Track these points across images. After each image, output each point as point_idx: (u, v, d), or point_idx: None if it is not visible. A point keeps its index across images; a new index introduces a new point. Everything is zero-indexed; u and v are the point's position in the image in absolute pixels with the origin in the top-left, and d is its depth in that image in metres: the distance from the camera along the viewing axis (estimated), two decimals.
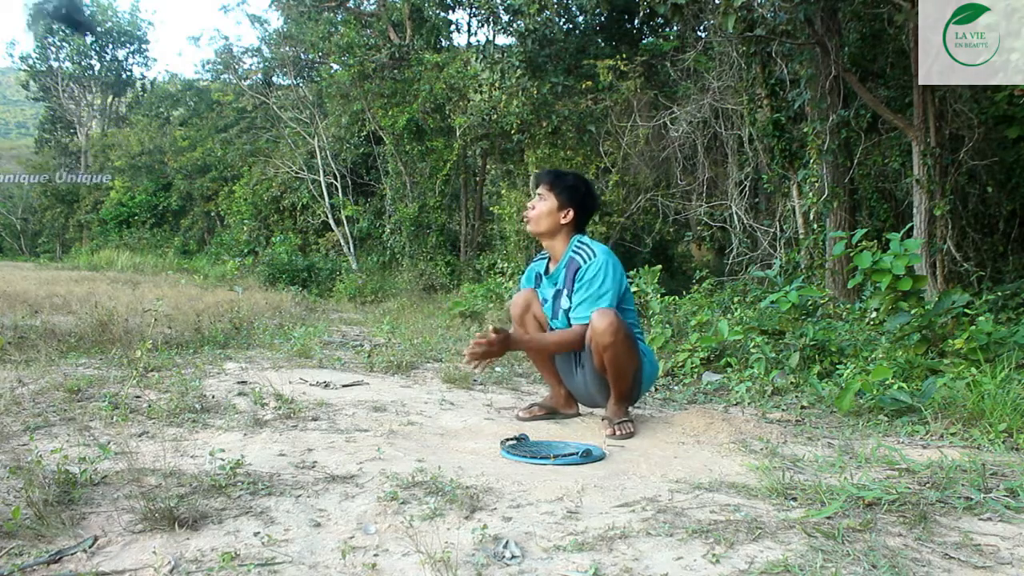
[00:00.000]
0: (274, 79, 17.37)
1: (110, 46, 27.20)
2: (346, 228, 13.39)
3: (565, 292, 2.80)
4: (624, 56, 10.13)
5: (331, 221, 13.70)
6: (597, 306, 2.65)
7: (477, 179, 12.22)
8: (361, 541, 1.65)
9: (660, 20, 11.68)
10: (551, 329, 2.90)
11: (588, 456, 2.35)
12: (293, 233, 14.39)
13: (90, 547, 1.57)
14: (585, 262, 2.72)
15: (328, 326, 6.20)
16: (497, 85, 10.49)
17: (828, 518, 1.78)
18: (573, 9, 12.39)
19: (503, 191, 12.26)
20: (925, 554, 1.60)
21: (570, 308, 2.77)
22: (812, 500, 1.93)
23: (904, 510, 1.83)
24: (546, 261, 2.96)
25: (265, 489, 1.94)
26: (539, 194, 2.86)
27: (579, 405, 3.08)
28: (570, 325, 2.80)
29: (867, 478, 2.11)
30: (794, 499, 1.95)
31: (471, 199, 12.19)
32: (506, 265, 9.95)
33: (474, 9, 11.90)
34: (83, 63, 26.64)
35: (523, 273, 3.06)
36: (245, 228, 15.61)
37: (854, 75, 6.41)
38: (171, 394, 2.95)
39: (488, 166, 12.43)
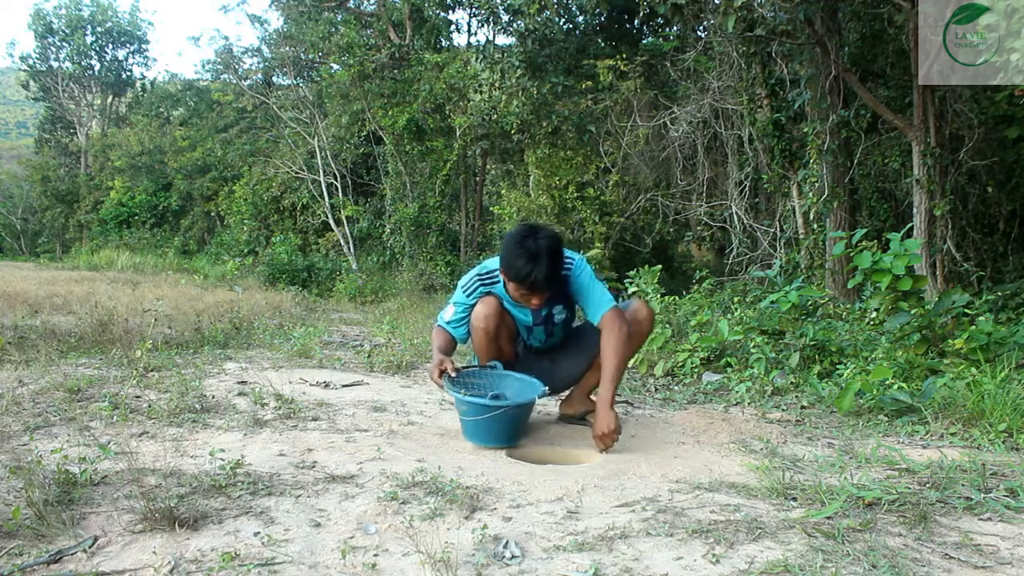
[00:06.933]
0: (274, 79, 17.37)
1: (110, 46, 27.16)
2: (346, 228, 13.38)
3: (558, 306, 2.76)
4: (624, 56, 10.13)
5: (331, 221, 13.70)
6: (609, 302, 2.65)
7: (477, 179, 12.22)
8: (361, 541, 1.65)
9: (660, 20, 11.68)
10: (523, 336, 2.84)
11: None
12: (293, 233, 14.37)
13: (90, 547, 1.57)
14: (571, 270, 2.64)
15: (328, 326, 6.19)
16: (497, 85, 10.49)
17: (828, 518, 1.78)
18: (573, 9, 12.39)
19: (503, 191, 12.25)
20: (925, 554, 1.60)
21: (587, 314, 2.71)
22: (812, 500, 1.93)
23: (904, 510, 1.83)
24: (504, 293, 2.68)
25: (265, 489, 1.94)
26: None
27: None
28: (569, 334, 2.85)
29: (867, 478, 2.11)
30: (794, 499, 1.95)
31: (471, 199, 12.19)
32: None
33: (474, 9, 11.89)
34: (83, 63, 26.60)
35: (466, 288, 2.72)
36: (245, 228, 15.60)
37: (854, 75, 6.41)
38: (171, 394, 2.94)
39: (488, 166, 12.44)
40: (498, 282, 2.67)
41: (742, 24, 6.16)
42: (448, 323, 2.74)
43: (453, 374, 2.54)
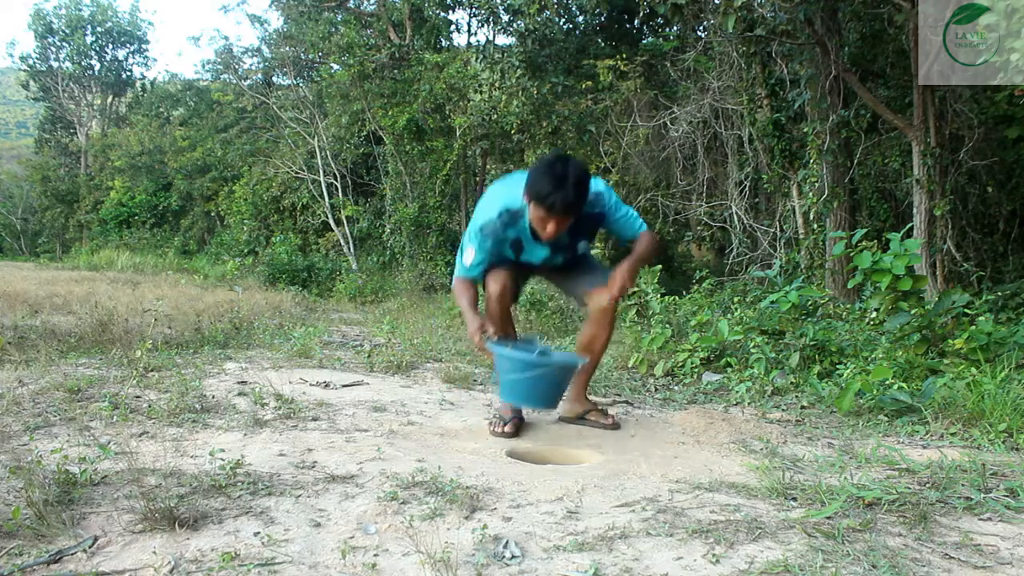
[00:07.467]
0: (274, 79, 17.37)
1: (110, 46, 27.16)
2: (346, 228, 13.38)
3: (582, 241, 2.82)
4: (624, 56, 10.14)
5: (331, 221, 13.70)
6: (643, 224, 2.75)
7: (477, 179, 12.21)
8: (361, 541, 1.65)
9: (660, 20, 11.67)
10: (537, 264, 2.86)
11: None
12: (293, 233, 14.37)
13: (90, 547, 1.57)
14: (604, 205, 2.67)
15: (328, 326, 6.19)
16: (497, 85, 10.48)
17: (828, 518, 1.78)
18: (573, 9, 12.38)
19: None
20: (925, 554, 1.60)
21: (623, 235, 2.80)
22: (812, 500, 1.93)
23: (904, 510, 1.83)
24: (528, 227, 2.62)
25: (265, 489, 1.94)
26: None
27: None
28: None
29: (867, 478, 2.11)
30: (794, 499, 1.95)
31: (471, 199, 12.18)
32: None
33: (474, 9, 11.88)
34: (83, 63, 26.60)
35: (484, 229, 2.64)
36: (245, 228, 15.59)
37: (854, 75, 6.41)
38: (171, 394, 2.94)
39: (488, 166, 12.43)
40: (522, 216, 2.60)
41: (742, 24, 6.16)
42: (469, 269, 2.69)
43: (495, 338, 2.55)
